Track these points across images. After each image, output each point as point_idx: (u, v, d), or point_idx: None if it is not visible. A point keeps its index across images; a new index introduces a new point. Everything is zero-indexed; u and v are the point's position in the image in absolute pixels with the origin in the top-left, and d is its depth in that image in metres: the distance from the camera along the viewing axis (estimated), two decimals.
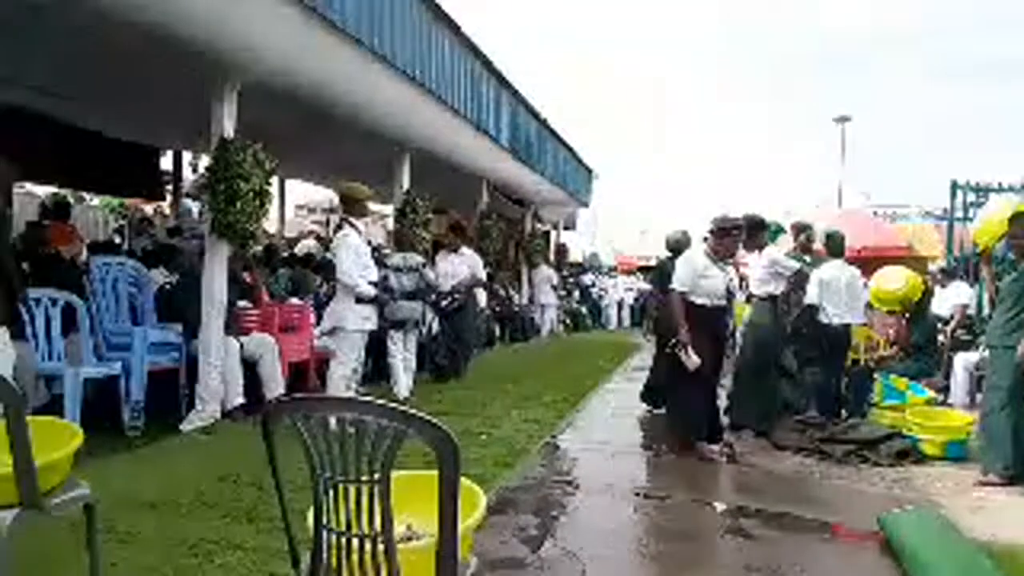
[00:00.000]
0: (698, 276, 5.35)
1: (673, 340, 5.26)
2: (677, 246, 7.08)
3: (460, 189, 11.12)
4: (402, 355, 6.73)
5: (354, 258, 5.40)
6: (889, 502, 4.20)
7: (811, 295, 6.46)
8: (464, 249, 8.62)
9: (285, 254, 10.33)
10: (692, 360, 5.17)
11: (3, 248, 3.59)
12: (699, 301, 5.35)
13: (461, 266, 8.38)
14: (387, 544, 1.72)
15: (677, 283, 5.36)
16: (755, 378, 6.20)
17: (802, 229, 6.94)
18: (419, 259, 6.89)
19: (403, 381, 6.70)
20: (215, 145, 5.18)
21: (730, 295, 5.61)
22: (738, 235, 5.56)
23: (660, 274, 7.22)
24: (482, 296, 10.11)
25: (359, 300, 5.42)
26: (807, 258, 6.72)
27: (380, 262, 6.26)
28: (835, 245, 6.67)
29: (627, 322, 19.30)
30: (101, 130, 9.15)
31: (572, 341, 14.05)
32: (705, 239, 5.63)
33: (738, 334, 7.48)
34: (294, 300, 7.27)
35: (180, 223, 11.61)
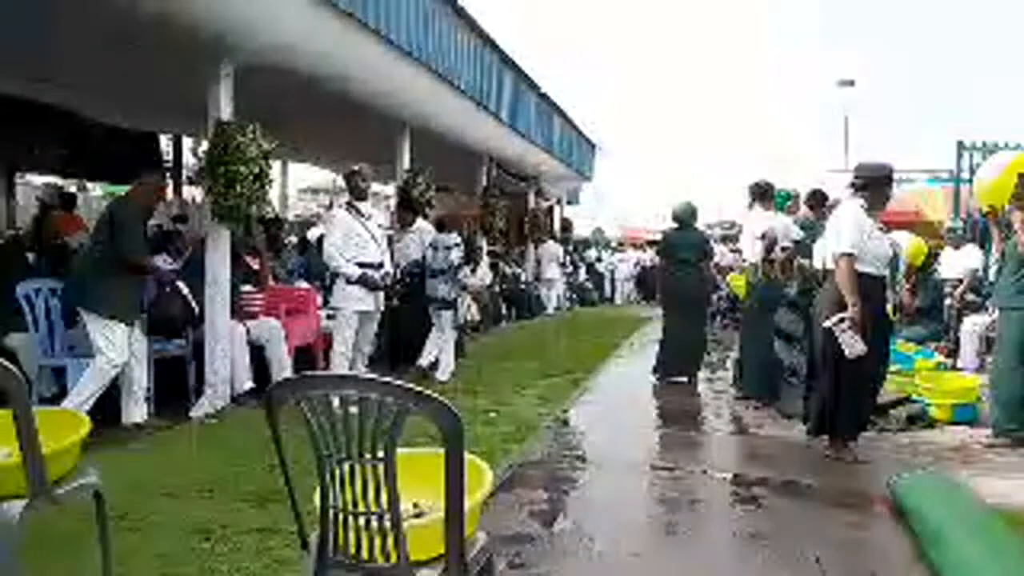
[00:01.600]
0: (866, 237, 4.42)
1: (836, 318, 4.28)
2: (684, 217, 7.08)
3: (462, 166, 11.06)
4: (437, 331, 6.84)
5: (340, 238, 5.38)
6: (899, 467, 4.19)
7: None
8: (419, 223, 7.46)
9: (295, 238, 10.33)
10: (857, 346, 4.24)
11: None
12: (863, 269, 4.39)
13: (411, 246, 7.26)
14: (394, 522, 1.72)
15: (846, 245, 4.34)
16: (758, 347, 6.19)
17: (819, 196, 6.96)
18: (455, 238, 6.97)
19: (432, 357, 6.82)
20: (212, 128, 5.15)
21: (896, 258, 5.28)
22: (891, 185, 4.80)
23: (665, 246, 7.23)
24: (485, 273, 9.98)
25: (350, 281, 5.41)
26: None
27: (432, 244, 6.85)
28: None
29: (634, 295, 19.26)
30: (98, 117, 9.11)
31: (579, 316, 14.04)
32: (861, 192, 4.59)
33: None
34: (303, 284, 7.28)
35: (184, 210, 11.61)
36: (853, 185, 4.66)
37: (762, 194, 6.38)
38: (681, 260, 7.05)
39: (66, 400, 4.44)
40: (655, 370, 7.22)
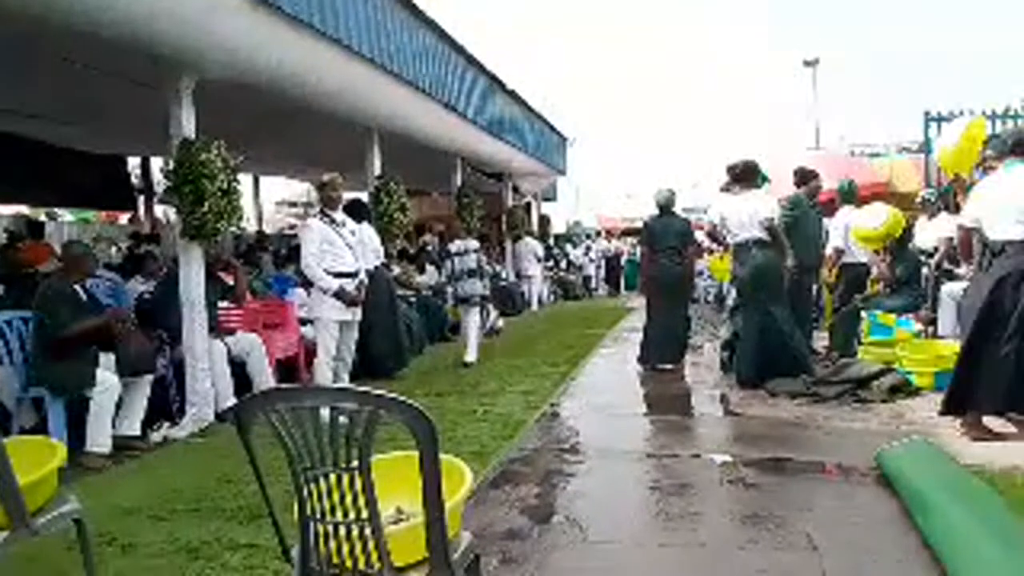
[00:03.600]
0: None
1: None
2: (667, 204, 7.13)
3: (435, 169, 11.04)
4: (472, 326, 7.82)
5: (316, 248, 5.32)
6: (884, 438, 4.22)
7: (837, 239, 7.22)
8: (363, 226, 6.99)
9: (284, 250, 10.25)
10: None
11: None
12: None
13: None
14: (374, 529, 1.71)
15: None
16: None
17: (806, 176, 7.08)
18: (474, 244, 8.00)
19: (471, 347, 7.73)
20: (176, 147, 5.10)
21: None
22: None
23: (649, 234, 7.22)
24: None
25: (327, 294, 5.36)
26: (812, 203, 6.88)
27: (443, 252, 7.84)
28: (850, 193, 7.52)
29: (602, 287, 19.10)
30: (63, 143, 9.03)
31: (562, 311, 14.06)
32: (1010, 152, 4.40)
33: (726, 288, 7.55)
34: (300, 291, 7.23)
35: (158, 230, 11.51)
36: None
37: (750, 173, 6.34)
38: (668, 248, 7.08)
39: (89, 441, 4.44)
40: (640, 358, 7.25)
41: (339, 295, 5.31)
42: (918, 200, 8.67)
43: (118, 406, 4.67)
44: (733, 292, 6.91)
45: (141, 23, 4.41)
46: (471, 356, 7.71)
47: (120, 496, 3.83)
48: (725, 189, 6.94)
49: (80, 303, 4.68)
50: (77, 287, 4.74)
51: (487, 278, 8.29)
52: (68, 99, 6.71)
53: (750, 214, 6.06)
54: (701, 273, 12.57)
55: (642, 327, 7.46)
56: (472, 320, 7.89)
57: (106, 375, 4.57)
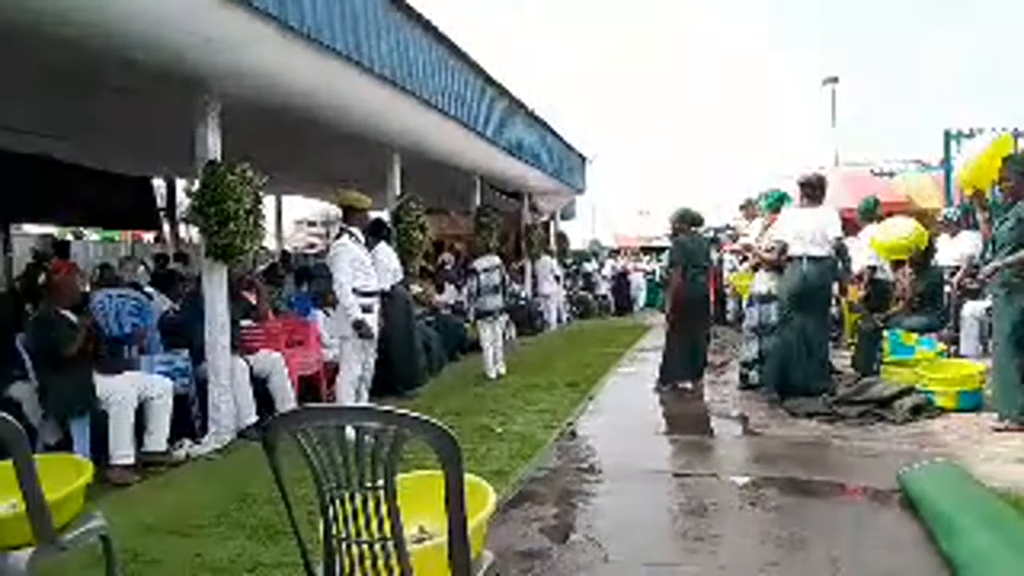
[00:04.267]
0: None
1: None
2: (699, 221, 7.18)
3: (454, 188, 11.12)
4: (491, 341, 8.01)
5: (350, 269, 5.38)
6: (907, 458, 4.19)
7: (867, 258, 7.40)
8: (381, 245, 7.05)
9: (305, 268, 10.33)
10: None
11: None
12: None
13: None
14: (398, 548, 1.73)
15: None
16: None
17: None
18: (497, 260, 8.39)
19: (490, 362, 7.98)
20: (202, 168, 5.19)
21: None
22: None
23: (684, 252, 7.12)
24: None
25: (360, 309, 5.41)
26: None
27: (468, 269, 8.34)
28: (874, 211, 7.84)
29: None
30: (90, 164, 9.21)
31: (581, 329, 14.03)
32: None
33: (744, 304, 7.51)
34: (318, 313, 7.31)
35: (182, 249, 11.68)
36: None
37: (822, 189, 6.30)
38: (700, 266, 7.08)
39: (112, 455, 4.48)
40: (662, 379, 7.18)
41: (358, 326, 5.35)
42: (940, 217, 8.62)
43: (143, 423, 4.74)
44: (755, 310, 6.82)
45: (174, 51, 4.52)
46: (496, 370, 7.97)
47: (144, 512, 3.88)
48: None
49: (67, 327, 4.70)
50: (66, 312, 4.77)
51: (508, 294, 8.73)
52: (96, 121, 6.85)
53: (821, 231, 6.01)
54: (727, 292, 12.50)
55: (664, 346, 7.35)
56: (496, 334, 8.13)
57: (118, 387, 4.64)
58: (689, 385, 7.08)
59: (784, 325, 6.22)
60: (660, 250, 16.74)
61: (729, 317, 12.01)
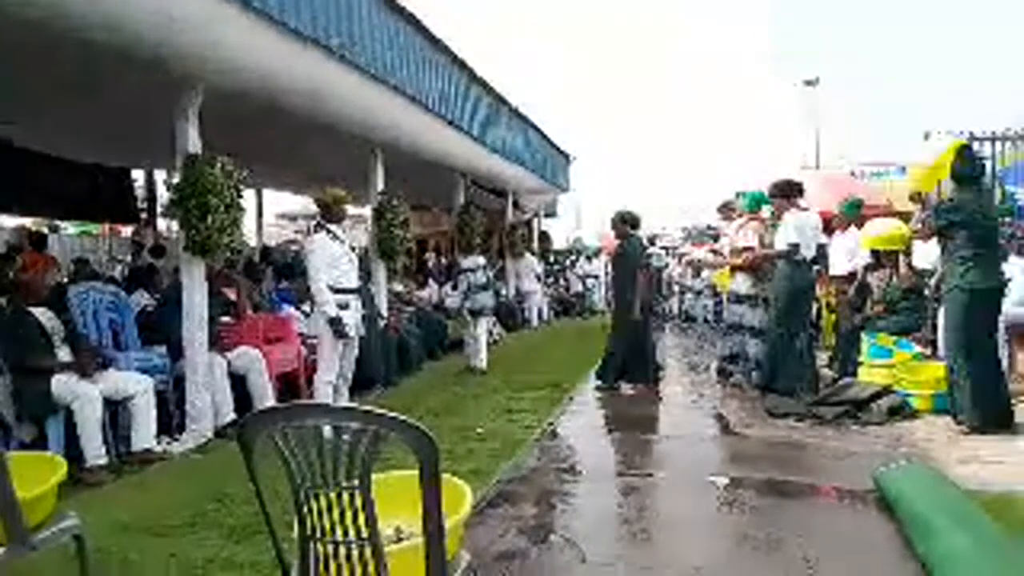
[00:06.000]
0: None
1: None
2: (634, 223, 7.30)
3: (437, 185, 11.08)
4: (479, 335, 8.40)
5: (324, 266, 5.33)
6: (883, 459, 4.22)
7: (857, 258, 7.55)
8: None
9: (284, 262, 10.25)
10: None
11: None
12: None
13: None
14: (374, 548, 1.72)
15: None
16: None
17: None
18: (482, 260, 8.80)
19: (482, 355, 8.38)
20: (182, 162, 5.14)
21: None
22: None
23: (638, 253, 7.26)
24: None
25: (326, 316, 5.35)
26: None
27: (456, 268, 8.79)
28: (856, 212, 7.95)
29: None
30: (67, 156, 9.08)
31: (561, 328, 14.06)
32: None
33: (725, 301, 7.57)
34: (290, 310, 7.27)
35: (160, 243, 11.54)
36: None
37: (796, 191, 6.49)
38: (645, 266, 7.27)
39: (86, 455, 4.42)
40: (602, 379, 7.23)
41: (333, 324, 5.32)
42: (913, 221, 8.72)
43: (127, 421, 4.68)
44: (742, 310, 6.91)
45: (152, 39, 4.45)
46: (482, 363, 8.32)
47: (118, 511, 3.83)
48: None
49: (34, 327, 4.64)
50: (36, 311, 4.71)
51: (494, 291, 9.17)
52: (74, 112, 6.74)
53: (815, 234, 6.33)
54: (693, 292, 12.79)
55: (607, 347, 7.36)
56: (481, 330, 8.46)
57: (85, 388, 4.56)
58: (629, 390, 7.09)
59: (779, 326, 6.30)
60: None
61: (675, 312, 13.24)
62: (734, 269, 7.09)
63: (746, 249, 6.90)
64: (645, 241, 7.46)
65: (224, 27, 4.80)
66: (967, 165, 5.10)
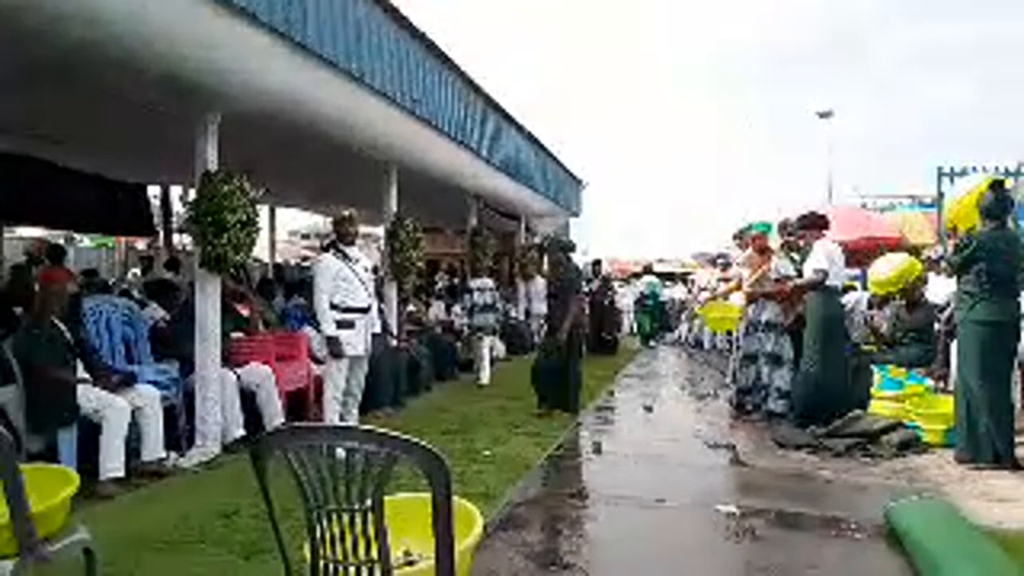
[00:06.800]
0: None
1: None
2: (569, 248, 7.48)
3: (451, 206, 11.14)
4: (483, 353, 9.06)
5: (329, 285, 5.36)
6: (893, 493, 4.19)
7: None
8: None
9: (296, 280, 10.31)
10: None
11: None
12: None
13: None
14: (384, 570, 1.72)
15: None
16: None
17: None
18: (490, 282, 9.49)
19: (486, 372, 9.03)
20: (199, 178, 5.20)
21: None
22: None
23: (578, 275, 7.43)
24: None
25: (340, 325, 5.38)
26: (795, 256, 6.84)
27: (467, 289, 9.49)
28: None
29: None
30: (87, 169, 9.20)
31: None
32: None
33: (739, 333, 7.55)
34: (307, 329, 7.29)
35: (174, 256, 11.64)
36: None
37: (823, 223, 6.56)
38: (579, 291, 7.33)
39: (102, 468, 4.43)
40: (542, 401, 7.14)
41: (330, 342, 5.33)
42: (924, 256, 8.72)
43: (136, 433, 4.70)
44: (759, 337, 6.93)
45: (177, 61, 4.53)
46: (485, 379, 8.96)
47: (127, 526, 3.83)
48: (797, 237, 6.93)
49: (57, 339, 4.67)
50: (53, 323, 4.73)
51: (500, 313, 9.86)
52: (93, 127, 6.84)
53: (842, 263, 6.44)
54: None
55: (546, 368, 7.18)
56: (485, 348, 9.11)
57: (112, 400, 4.60)
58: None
59: (816, 355, 6.27)
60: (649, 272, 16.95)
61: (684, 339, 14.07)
62: (757, 297, 7.08)
63: (779, 280, 6.87)
64: (582, 266, 7.72)
65: (251, 52, 4.88)
66: (995, 200, 5.10)
